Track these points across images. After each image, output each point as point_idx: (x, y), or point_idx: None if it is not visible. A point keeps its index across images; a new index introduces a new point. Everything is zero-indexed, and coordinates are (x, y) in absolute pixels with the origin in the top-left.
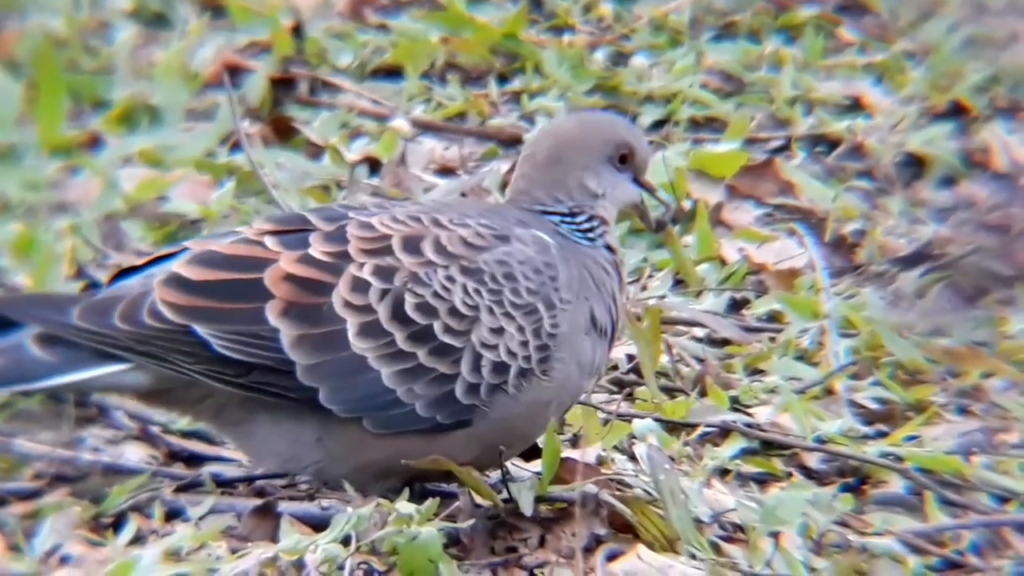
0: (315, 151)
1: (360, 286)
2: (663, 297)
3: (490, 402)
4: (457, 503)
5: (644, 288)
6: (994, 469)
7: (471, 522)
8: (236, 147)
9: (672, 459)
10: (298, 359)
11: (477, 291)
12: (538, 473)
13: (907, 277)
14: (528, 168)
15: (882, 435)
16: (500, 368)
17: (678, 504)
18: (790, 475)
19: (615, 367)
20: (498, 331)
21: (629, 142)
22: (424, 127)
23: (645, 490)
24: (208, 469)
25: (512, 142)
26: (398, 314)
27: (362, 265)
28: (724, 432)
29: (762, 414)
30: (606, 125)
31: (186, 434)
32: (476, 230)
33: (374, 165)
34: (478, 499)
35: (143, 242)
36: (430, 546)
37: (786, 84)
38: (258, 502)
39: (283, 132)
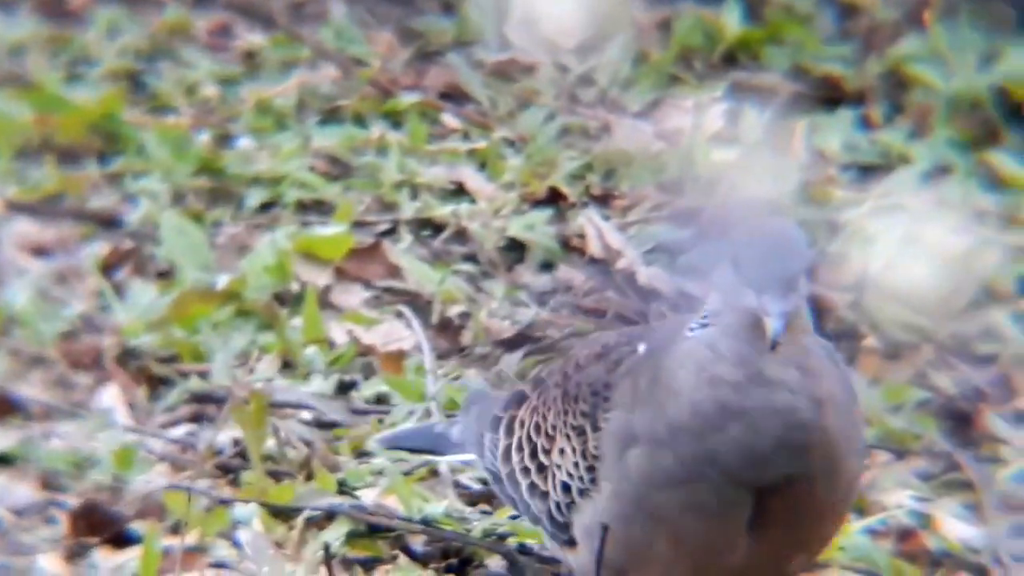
0: None
1: None
2: (270, 380)
3: None
4: None
5: (251, 371)
6: None
7: None
8: None
9: (278, 544)
10: None
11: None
12: None
13: (509, 359)
14: None
15: (486, 514)
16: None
17: None
18: (395, 558)
19: (219, 452)
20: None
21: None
22: (18, 208)
23: None
24: None
25: (111, 223)
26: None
27: None
28: (331, 515)
29: (369, 496)
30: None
31: None
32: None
33: None
34: None
35: None
36: None
37: (392, 168)
38: None
39: None
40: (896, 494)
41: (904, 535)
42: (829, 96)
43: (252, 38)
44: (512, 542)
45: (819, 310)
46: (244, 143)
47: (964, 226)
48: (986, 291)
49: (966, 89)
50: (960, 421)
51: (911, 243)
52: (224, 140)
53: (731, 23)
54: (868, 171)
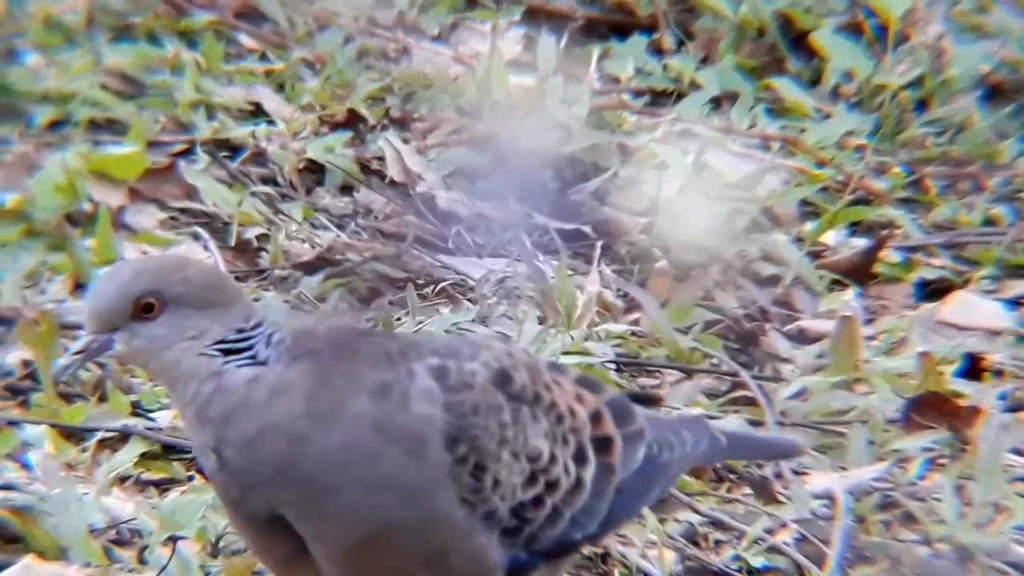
0: None
1: None
2: (62, 301)
3: None
4: None
5: (41, 292)
6: None
7: None
8: None
9: (69, 466)
10: None
11: None
12: None
13: (308, 282)
14: None
15: None
16: None
17: (70, 513)
18: (190, 479)
19: (8, 374)
20: None
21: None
22: None
23: (41, 498)
24: None
25: None
26: None
27: None
28: (124, 437)
29: (163, 418)
30: None
31: None
32: None
33: None
34: None
35: None
36: None
37: (188, 88)
38: None
39: None
40: (685, 411)
41: None
42: (622, 22)
43: None
44: None
45: (613, 233)
46: (31, 59)
47: (748, 151)
48: (768, 215)
49: (752, 17)
50: (745, 340)
51: (699, 168)
52: (10, 56)
53: None
54: (660, 97)
